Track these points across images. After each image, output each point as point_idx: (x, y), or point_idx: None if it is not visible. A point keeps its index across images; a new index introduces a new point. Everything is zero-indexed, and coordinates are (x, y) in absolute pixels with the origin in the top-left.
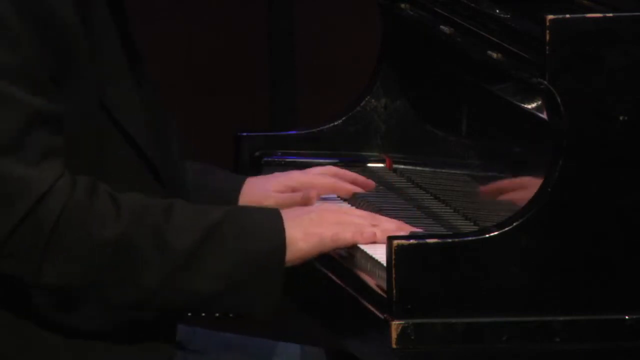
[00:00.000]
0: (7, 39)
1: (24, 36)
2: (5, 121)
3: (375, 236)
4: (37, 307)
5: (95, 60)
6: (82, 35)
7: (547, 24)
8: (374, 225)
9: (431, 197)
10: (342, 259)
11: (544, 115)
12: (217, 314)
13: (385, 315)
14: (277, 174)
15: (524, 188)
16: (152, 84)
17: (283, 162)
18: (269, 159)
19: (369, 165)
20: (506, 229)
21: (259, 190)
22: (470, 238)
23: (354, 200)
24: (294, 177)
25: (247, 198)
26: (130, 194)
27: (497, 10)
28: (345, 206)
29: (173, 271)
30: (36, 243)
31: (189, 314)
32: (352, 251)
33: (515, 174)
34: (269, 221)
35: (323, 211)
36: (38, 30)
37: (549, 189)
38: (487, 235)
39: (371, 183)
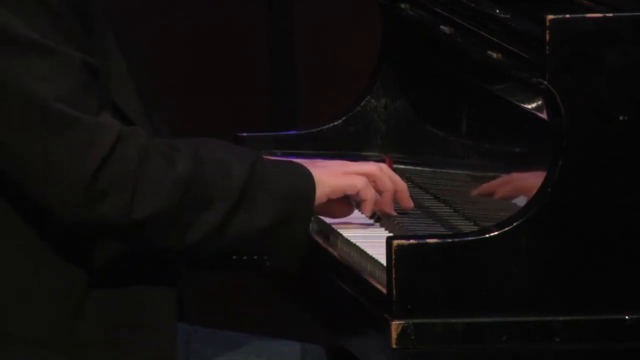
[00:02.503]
0: (48, 7)
1: (62, 11)
2: (61, 74)
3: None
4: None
5: (95, 38)
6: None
7: (547, 24)
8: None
9: (431, 197)
10: (342, 259)
11: (544, 115)
12: (255, 257)
13: (385, 315)
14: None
15: (523, 188)
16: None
17: None
18: None
19: None
20: (506, 229)
21: None
22: (470, 238)
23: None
24: None
25: None
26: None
27: (497, 10)
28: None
29: (235, 205)
30: (126, 180)
31: (230, 258)
32: (350, 250)
33: (515, 174)
34: (294, 162)
35: (329, 161)
36: (71, 8)
37: (549, 189)
38: (487, 235)
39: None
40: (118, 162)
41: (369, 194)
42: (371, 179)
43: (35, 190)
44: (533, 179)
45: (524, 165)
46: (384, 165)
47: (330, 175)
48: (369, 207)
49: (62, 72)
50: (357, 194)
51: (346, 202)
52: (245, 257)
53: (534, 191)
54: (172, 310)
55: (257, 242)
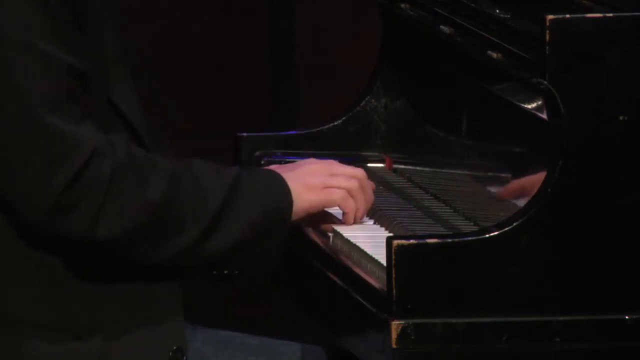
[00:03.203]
0: (47, 11)
1: (57, 9)
2: (47, 80)
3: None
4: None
5: (91, 35)
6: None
7: (547, 24)
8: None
9: (431, 197)
10: (342, 259)
11: (544, 115)
12: (225, 272)
13: (385, 315)
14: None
15: (524, 188)
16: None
17: (283, 162)
18: (269, 159)
19: (369, 165)
20: (506, 229)
21: None
22: (470, 238)
23: None
24: None
25: None
26: (154, 154)
27: (497, 10)
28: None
29: (207, 229)
30: (95, 197)
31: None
32: (350, 250)
33: (515, 174)
34: (273, 178)
35: (313, 164)
36: (66, 7)
37: (549, 189)
38: (487, 235)
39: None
40: (89, 179)
41: (349, 207)
42: (350, 193)
43: (8, 190)
44: (533, 179)
45: (524, 165)
46: (364, 180)
47: (309, 190)
48: (350, 218)
49: (49, 77)
50: (338, 207)
51: (326, 214)
52: (214, 272)
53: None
54: (176, 296)
55: (227, 261)
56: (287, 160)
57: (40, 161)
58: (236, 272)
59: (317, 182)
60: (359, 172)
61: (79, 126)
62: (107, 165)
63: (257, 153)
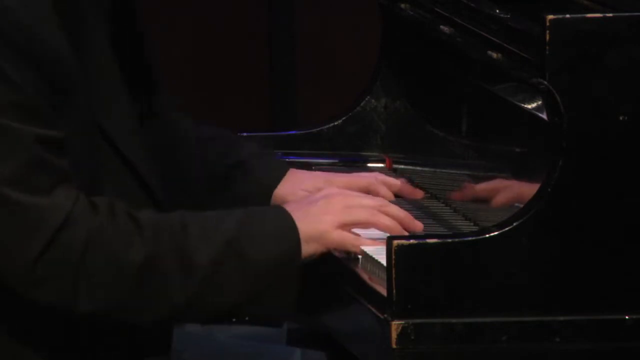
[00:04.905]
0: (3, 77)
1: (19, 72)
2: (11, 155)
3: (388, 219)
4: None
5: (89, 85)
6: (75, 64)
7: (547, 24)
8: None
9: (431, 197)
10: (342, 259)
11: (544, 115)
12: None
13: (385, 315)
14: (319, 173)
15: (524, 188)
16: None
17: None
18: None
19: (369, 165)
20: (506, 229)
21: (290, 188)
22: (470, 238)
23: None
24: (327, 179)
25: (281, 192)
26: (144, 211)
27: (497, 10)
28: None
29: (198, 289)
30: (67, 268)
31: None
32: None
33: (515, 174)
34: (281, 224)
35: (330, 197)
36: (32, 64)
37: (549, 189)
38: (487, 235)
39: (419, 192)
40: (59, 252)
41: (380, 219)
42: (367, 223)
43: None
44: (533, 179)
45: (524, 165)
46: (380, 201)
47: (324, 232)
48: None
49: (11, 151)
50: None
51: None
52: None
53: (530, 195)
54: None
55: (232, 316)
56: (287, 160)
57: (8, 238)
58: (247, 318)
59: (329, 220)
60: (375, 200)
61: (49, 196)
62: (80, 234)
63: None
